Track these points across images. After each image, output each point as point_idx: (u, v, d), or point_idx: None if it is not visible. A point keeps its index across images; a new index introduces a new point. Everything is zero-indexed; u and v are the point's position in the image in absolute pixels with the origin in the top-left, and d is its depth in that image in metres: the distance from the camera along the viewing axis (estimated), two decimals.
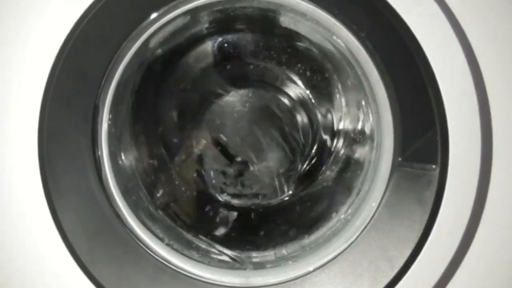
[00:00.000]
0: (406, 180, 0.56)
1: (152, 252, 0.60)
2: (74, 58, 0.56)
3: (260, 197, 0.81)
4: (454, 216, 0.55)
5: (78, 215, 0.58)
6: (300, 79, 0.82)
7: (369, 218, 0.58)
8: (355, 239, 0.58)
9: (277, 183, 0.82)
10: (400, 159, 0.56)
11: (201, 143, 0.82)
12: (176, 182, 0.80)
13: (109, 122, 0.61)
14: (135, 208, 0.62)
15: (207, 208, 0.80)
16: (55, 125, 0.57)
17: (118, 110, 0.64)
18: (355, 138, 0.76)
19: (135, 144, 0.72)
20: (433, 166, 0.55)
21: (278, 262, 0.64)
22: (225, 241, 0.70)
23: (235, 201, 0.81)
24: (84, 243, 0.57)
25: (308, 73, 0.81)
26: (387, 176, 0.57)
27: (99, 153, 0.60)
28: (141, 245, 0.60)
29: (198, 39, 0.77)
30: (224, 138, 0.82)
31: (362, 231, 0.58)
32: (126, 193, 0.62)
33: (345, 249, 0.58)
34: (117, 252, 0.58)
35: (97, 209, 0.58)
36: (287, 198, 0.81)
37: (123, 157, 0.67)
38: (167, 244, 0.62)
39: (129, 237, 0.59)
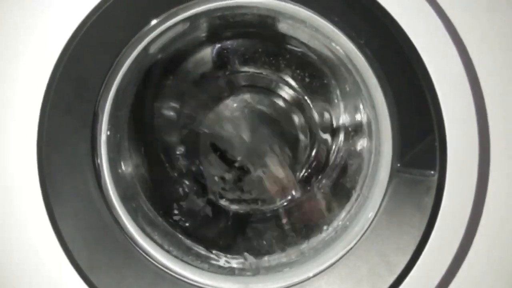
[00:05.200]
0: (405, 186, 0.56)
1: (151, 258, 0.60)
2: (74, 64, 0.56)
3: (259, 202, 0.81)
4: (452, 221, 0.55)
5: (77, 222, 0.57)
6: (299, 84, 0.82)
7: (368, 224, 0.58)
8: (354, 244, 0.58)
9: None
10: (398, 165, 0.56)
11: (200, 148, 0.82)
12: (175, 188, 0.80)
13: (109, 129, 0.61)
14: (134, 215, 0.62)
15: (206, 214, 0.79)
16: (55, 131, 0.57)
17: (117, 117, 0.64)
18: (354, 143, 0.76)
19: (134, 151, 0.72)
20: (432, 172, 0.55)
21: (277, 268, 0.64)
22: (223, 247, 0.70)
23: (234, 207, 0.81)
24: (83, 250, 0.57)
25: (306, 79, 0.81)
26: (386, 181, 0.57)
27: (99, 159, 0.60)
28: (141, 251, 0.60)
29: (198, 45, 0.77)
30: (223, 143, 0.82)
31: (361, 236, 0.58)
32: (125, 200, 0.62)
33: (344, 255, 0.58)
34: (116, 259, 0.58)
35: (96, 215, 0.58)
36: (286, 203, 0.81)
37: (122, 164, 0.67)
38: (167, 251, 0.62)
39: (128, 243, 0.59)
